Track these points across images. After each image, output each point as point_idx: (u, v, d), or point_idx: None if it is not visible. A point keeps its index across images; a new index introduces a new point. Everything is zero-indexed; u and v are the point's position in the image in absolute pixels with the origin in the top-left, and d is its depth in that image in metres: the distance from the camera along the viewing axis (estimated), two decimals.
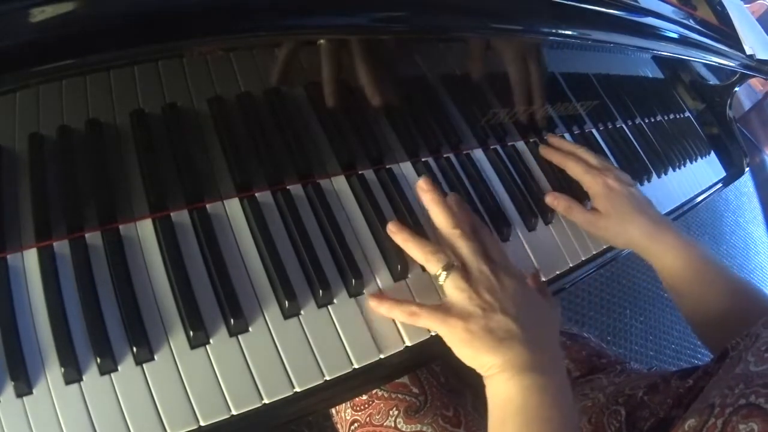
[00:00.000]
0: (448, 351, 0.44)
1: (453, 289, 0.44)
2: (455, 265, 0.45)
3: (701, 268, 0.56)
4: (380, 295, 0.46)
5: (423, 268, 0.49)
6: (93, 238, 0.39)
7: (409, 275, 0.48)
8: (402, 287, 0.48)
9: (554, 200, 0.61)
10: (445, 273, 0.44)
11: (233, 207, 0.45)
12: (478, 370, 0.43)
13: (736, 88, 0.95)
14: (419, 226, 0.51)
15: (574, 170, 0.62)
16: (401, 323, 0.46)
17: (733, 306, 0.53)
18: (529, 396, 0.41)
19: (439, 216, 0.48)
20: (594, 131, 0.76)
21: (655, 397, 0.50)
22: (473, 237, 0.47)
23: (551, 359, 0.44)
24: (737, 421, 0.33)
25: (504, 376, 0.41)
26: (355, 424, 0.59)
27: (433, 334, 0.47)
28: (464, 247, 0.46)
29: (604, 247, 0.64)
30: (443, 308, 0.44)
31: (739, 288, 0.55)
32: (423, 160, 0.56)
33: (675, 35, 0.64)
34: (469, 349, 0.42)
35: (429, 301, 0.48)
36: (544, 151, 0.65)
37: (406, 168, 0.55)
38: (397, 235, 0.47)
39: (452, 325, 0.43)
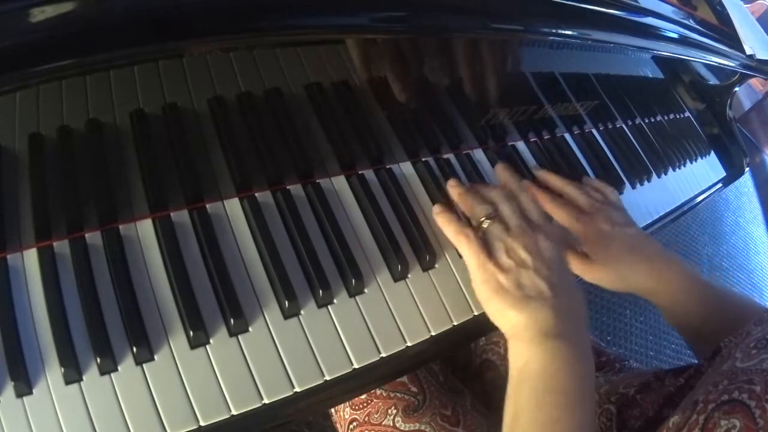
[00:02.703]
0: (448, 350, 0.44)
1: (493, 238, 0.45)
2: (497, 217, 0.47)
3: (702, 296, 0.54)
4: (445, 207, 0.49)
5: (422, 268, 0.49)
6: (93, 238, 0.39)
7: (409, 275, 0.48)
8: (402, 287, 0.48)
9: None
10: (488, 222, 0.46)
11: (233, 207, 0.45)
12: (502, 328, 0.43)
13: (736, 88, 0.95)
14: (419, 226, 0.51)
15: (562, 218, 0.57)
16: (403, 322, 0.46)
17: (732, 322, 0.51)
18: (549, 362, 0.40)
19: (482, 189, 0.50)
20: (594, 131, 0.76)
21: (647, 396, 0.50)
22: (514, 198, 0.49)
23: (578, 331, 0.43)
24: (719, 417, 0.33)
25: (527, 336, 0.41)
26: (354, 423, 0.60)
27: (433, 334, 0.47)
28: (506, 206, 0.48)
29: None
30: (486, 249, 0.45)
31: (736, 304, 0.54)
32: (423, 160, 0.56)
33: (675, 35, 0.64)
34: (497, 301, 0.43)
35: (430, 303, 0.48)
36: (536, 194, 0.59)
37: (406, 168, 0.55)
38: (454, 189, 0.51)
39: (488, 272, 0.43)
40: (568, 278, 0.46)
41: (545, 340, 0.41)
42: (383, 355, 0.44)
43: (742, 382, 0.34)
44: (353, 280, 0.45)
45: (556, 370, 0.40)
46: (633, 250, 0.55)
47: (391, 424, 0.57)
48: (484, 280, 0.44)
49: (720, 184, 0.97)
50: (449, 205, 0.51)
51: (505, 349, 0.52)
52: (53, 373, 0.35)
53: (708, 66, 0.90)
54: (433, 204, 0.54)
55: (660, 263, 0.55)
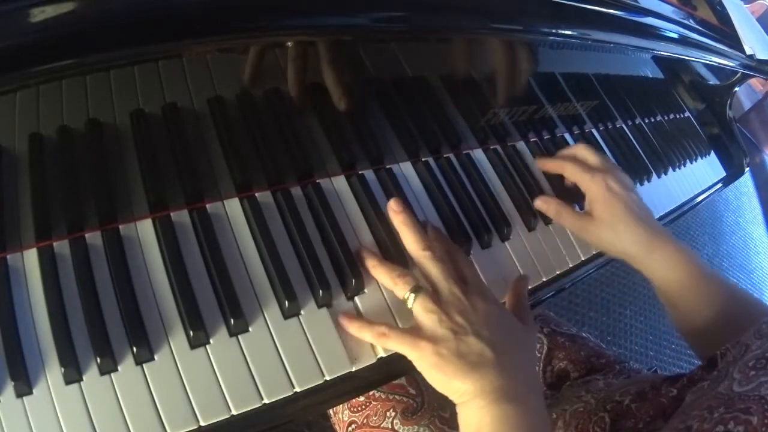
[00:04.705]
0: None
1: (422, 311, 0.42)
2: (423, 287, 0.43)
3: (697, 281, 0.53)
4: (351, 315, 0.44)
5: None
6: (93, 238, 0.39)
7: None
8: None
9: (544, 204, 0.59)
10: (413, 296, 0.43)
11: (233, 207, 0.45)
12: (450, 397, 0.41)
13: (736, 88, 0.95)
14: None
15: (572, 171, 0.59)
16: (402, 322, 0.46)
17: (728, 316, 0.52)
18: (501, 428, 0.39)
19: (408, 238, 0.46)
20: (594, 131, 0.76)
21: (642, 406, 0.49)
22: (445, 259, 0.45)
23: (527, 386, 0.42)
24: None
25: (476, 404, 0.40)
26: (353, 425, 0.59)
27: None
28: (434, 269, 0.44)
29: None
30: (413, 330, 0.42)
31: (734, 297, 0.54)
32: (423, 160, 0.56)
33: (675, 35, 0.64)
34: (440, 374, 0.40)
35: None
36: (541, 162, 0.63)
37: (406, 168, 0.55)
38: (368, 260, 0.46)
39: (422, 349, 0.41)
40: (510, 331, 0.45)
41: (494, 406, 0.39)
42: (383, 355, 0.44)
43: (739, 411, 0.33)
44: (353, 280, 0.45)
45: None
46: (635, 214, 0.56)
47: (390, 427, 0.57)
48: (420, 359, 0.41)
49: (720, 184, 0.97)
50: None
51: None
52: (53, 373, 0.35)
53: (708, 66, 0.90)
54: (434, 205, 0.54)
55: (657, 234, 0.55)
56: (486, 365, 0.40)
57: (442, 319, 0.41)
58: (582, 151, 0.62)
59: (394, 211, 0.47)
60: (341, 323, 0.44)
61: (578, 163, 0.60)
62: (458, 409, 0.41)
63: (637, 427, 0.47)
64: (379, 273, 0.45)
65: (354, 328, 0.43)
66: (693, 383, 0.46)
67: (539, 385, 0.44)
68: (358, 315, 0.45)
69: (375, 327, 0.43)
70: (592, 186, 0.57)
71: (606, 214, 0.56)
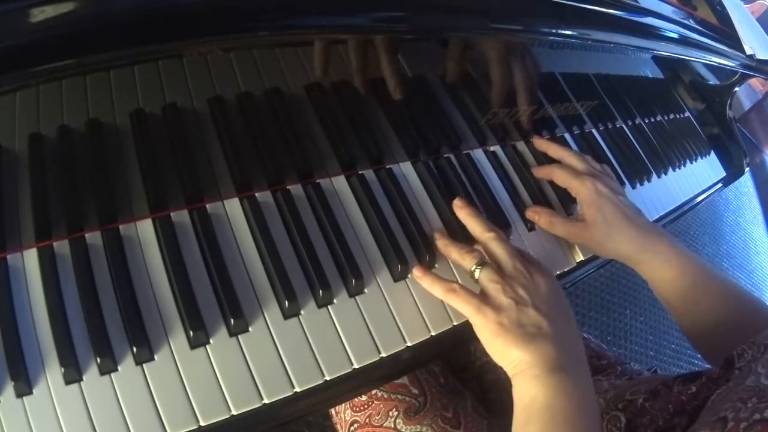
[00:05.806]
0: (448, 351, 0.44)
1: (487, 281, 0.45)
2: (489, 261, 0.47)
3: (696, 278, 0.54)
4: (425, 268, 0.48)
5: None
6: (93, 238, 0.39)
7: (410, 275, 0.48)
8: (402, 287, 0.48)
9: (534, 214, 0.59)
10: (479, 268, 0.46)
11: (233, 207, 0.45)
12: (505, 367, 0.43)
13: (736, 88, 0.95)
14: (419, 226, 0.51)
15: (561, 176, 0.60)
16: (403, 322, 0.46)
17: (731, 316, 0.52)
18: (555, 396, 0.41)
19: (475, 225, 0.50)
20: (594, 131, 0.76)
21: (656, 404, 0.50)
22: (507, 240, 0.49)
23: (577, 359, 0.44)
24: None
25: (530, 374, 0.42)
26: (355, 425, 0.59)
27: (433, 334, 0.47)
28: (498, 248, 0.48)
29: None
30: (480, 296, 0.45)
31: (737, 297, 0.54)
32: (423, 160, 0.56)
33: (675, 35, 0.64)
34: (499, 342, 0.43)
35: (431, 303, 0.48)
36: (534, 171, 0.64)
37: (406, 168, 0.55)
38: (439, 241, 0.50)
39: (485, 314, 0.43)
40: (565, 307, 0.47)
41: (549, 376, 0.41)
42: (383, 355, 0.44)
43: None
44: (353, 280, 0.45)
45: (562, 404, 0.41)
46: (624, 216, 0.57)
47: (392, 426, 0.57)
48: (483, 325, 0.44)
49: (720, 184, 0.97)
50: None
51: None
52: (53, 373, 0.35)
53: (708, 66, 0.90)
54: (434, 205, 0.54)
55: (649, 233, 0.56)
56: (543, 337, 0.43)
57: (506, 289, 0.44)
58: (570, 157, 0.62)
59: (458, 207, 0.52)
60: (414, 273, 0.48)
61: (567, 168, 0.61)
62: (513, 380, 0.43)
63: (656, 424, 0.48)
64: (450, 250, 0.49)
65: (427, 282, 0.47)
66: (713, 382, 0.46)
67: (586, 360, 0.46)
68: (360, 316, 0.45)
69: (446, 283, 0.46)
70: (582, 190, 0.58)
71: (598, 217, 0.57)
